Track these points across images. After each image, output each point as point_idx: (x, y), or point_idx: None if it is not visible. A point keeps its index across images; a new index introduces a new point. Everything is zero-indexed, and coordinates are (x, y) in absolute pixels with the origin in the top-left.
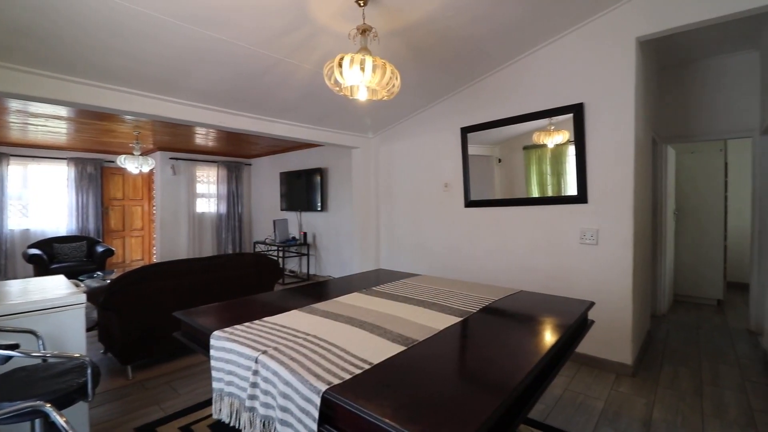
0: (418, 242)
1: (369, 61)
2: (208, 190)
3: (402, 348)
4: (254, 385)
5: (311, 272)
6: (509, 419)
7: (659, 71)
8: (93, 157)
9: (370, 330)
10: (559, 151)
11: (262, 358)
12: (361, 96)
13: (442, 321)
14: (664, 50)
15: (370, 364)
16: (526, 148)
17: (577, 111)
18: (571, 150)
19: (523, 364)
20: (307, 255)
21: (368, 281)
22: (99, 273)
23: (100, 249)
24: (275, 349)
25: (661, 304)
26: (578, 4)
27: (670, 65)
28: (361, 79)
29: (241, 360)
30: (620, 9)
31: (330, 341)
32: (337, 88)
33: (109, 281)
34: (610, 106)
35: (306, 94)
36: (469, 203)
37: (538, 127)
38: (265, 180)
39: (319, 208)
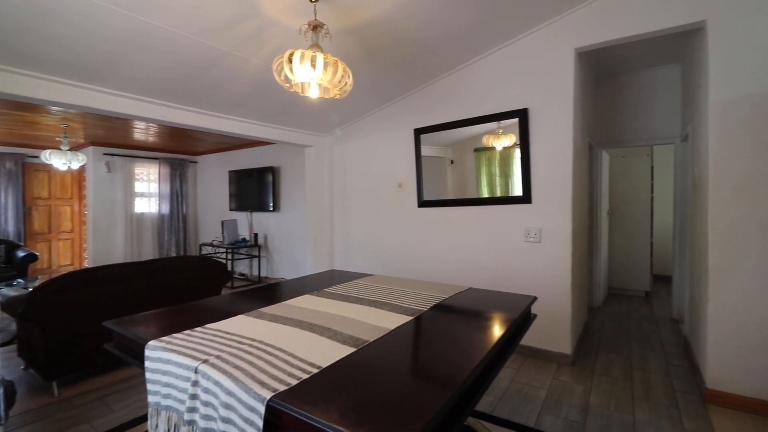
0: (373, 242)
1: (320, 58)
2: (148, 188)
3: (352, 349)
4: (194, 396)
5: (263, 274)
6: (458, 412)
7: (595, 81)
8: (12, 152)
9: (320, 333)
10: (507, 153)
11: (203, 367)
12: (313, 93)
13: (394, 320)
14: (599, 62)
15: (318, 368)
16: (476, 150)
17: (522, 116)
18: (518, 153)
19: (470, 358)
20: (258, 257)
21: (321, 282)
22: (20, 280)
23: (20, 254)
24: (217, 357)
25: (597, 297)
26: (521, 15)
27: (605, 76)
28: (312, 76)
29: (179, 371)
30: (560, 21)
31: (277, 346)
32: (288, 85)
33: (30, 289)
34: (551, 112)
35: (256, 89)
36: (423, 203)
37: (488, 130)
38: (212, 179)
39: (271, 208)
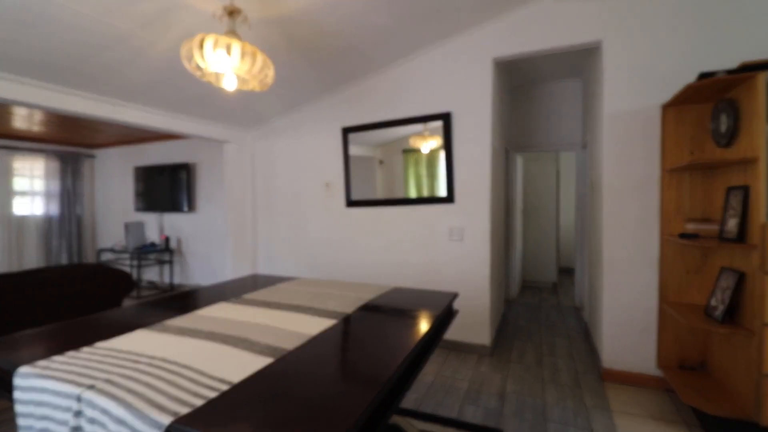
0: (299, 243)
1: (237, 46)
2: (31, 186)
3: (270, 360)
4: (76, 429)
5: (176, 282)
6: (383, 412)
7: (511, 90)
8: None
9: (233, 344)
10: (433, 155)
11: (88, 394)
12: (229, 84)
13: (317, 325)
14: (515, 72)
15: (229, 383)
16: (405, 151)
17: (446, 119)
18: (443, 154)
19: (394, 357)
20: (170, 262)
21: (240, 288)
22: None
23: None
24: (107, 381)
25: (513, 290)
26: (442, 22)
27: (520, 86)
28: (227, 65)
29: (57, 400)
30: (479, 32)
31: (182, 363)
32: (199, 73)
33: None
34: (472, 116)
35: (165, 77)
36: (351, 203)
37: (415, 132)
38: (114, 176)
39: (185, 209)
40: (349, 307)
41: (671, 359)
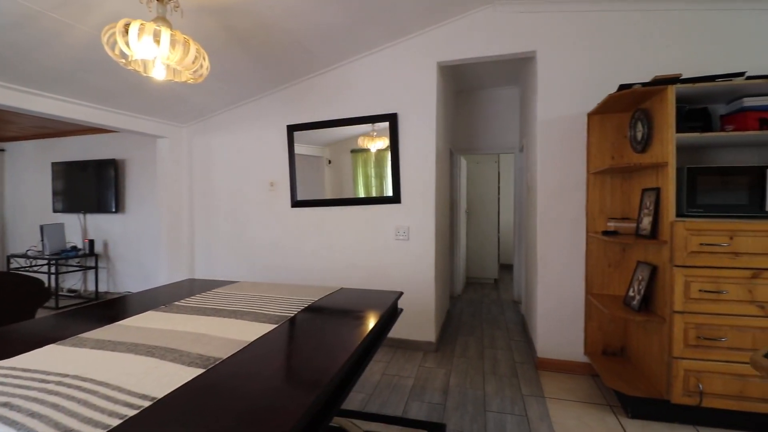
0: (241, 246)
1: (166, 33)
2: None
3: (200, 371)
4: None
5: (102, 289)
6: (325, 414)
7: (456, 94)
8: None
9: (160, 356)
10: (381, 155)
11: None
12: (158, 74)
13: (256, 331)
14: (459, 77)
15: (152, 399)
16: (353, 151)
17: (392, 120)
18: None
19: (336, 358)
20: (96, 268)
21: (173, 295)
22: None
23: None
24: (5, 405)
25: (457, 286)
26: (389, 25)
27: (464, 90)
28: (155, 53)
29: None
30: (425, 36)
31: (98, 380)
32: (123, 61)
33: None
34: (417, 118)
35: (87, 64)
36: (296, 203)
37: (363, 132)
38: (28, 172)
39: (113, 209)
40: (291, 310)
41: (596, 346)
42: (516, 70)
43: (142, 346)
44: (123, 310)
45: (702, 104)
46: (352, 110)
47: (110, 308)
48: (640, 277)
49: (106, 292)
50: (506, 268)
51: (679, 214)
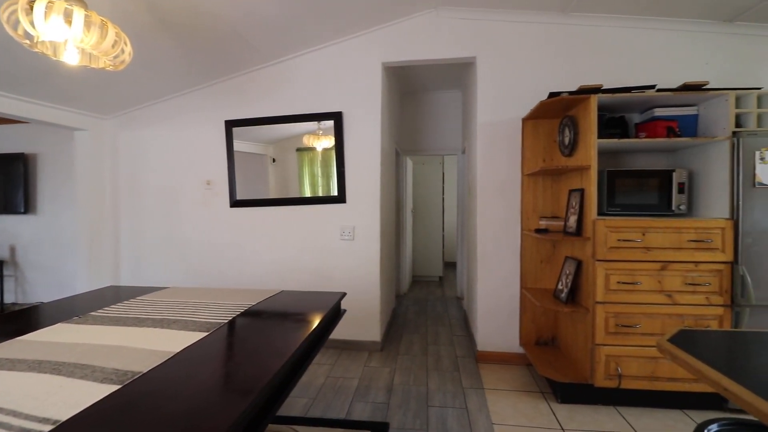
0: (174, 248)
1: (79, 13)
2: None
3: (115, 387)
4: None
5: (9, 300)
6: (259, 423)
7: (402, 95)
8: None
9: (68, 373)
10: (327, 154)
11: None
12: (69, 59)
13: (182, 340)
14: (405, 79)
15: (55, 423)
16: (299, 149)
17: (337, 118)
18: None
19: (271, 364)
20: (0, 277)
21: (90, 304)
22: None
23: None
24: None
25: (403, 285)
26: (335, 21)
27: (409, 92)
28: (66, 35)
29: None
30: (369, 36)
31: None
32: (28, 42)
33: None
34: (363, 117)
35: None
36: (236, 203)
37: (309, 131)
38: None
39: (22, 210)
40: (225, 316)
41: (530, 337)
42: (459, 74)
43: (46, 363)
44: (28, 324)
45: (620, 113)
46: (296, 107)
47: (12, 322)
48: (568, 272)
49: (13, 304)
50: (450, 266)
51: (600, 213)
